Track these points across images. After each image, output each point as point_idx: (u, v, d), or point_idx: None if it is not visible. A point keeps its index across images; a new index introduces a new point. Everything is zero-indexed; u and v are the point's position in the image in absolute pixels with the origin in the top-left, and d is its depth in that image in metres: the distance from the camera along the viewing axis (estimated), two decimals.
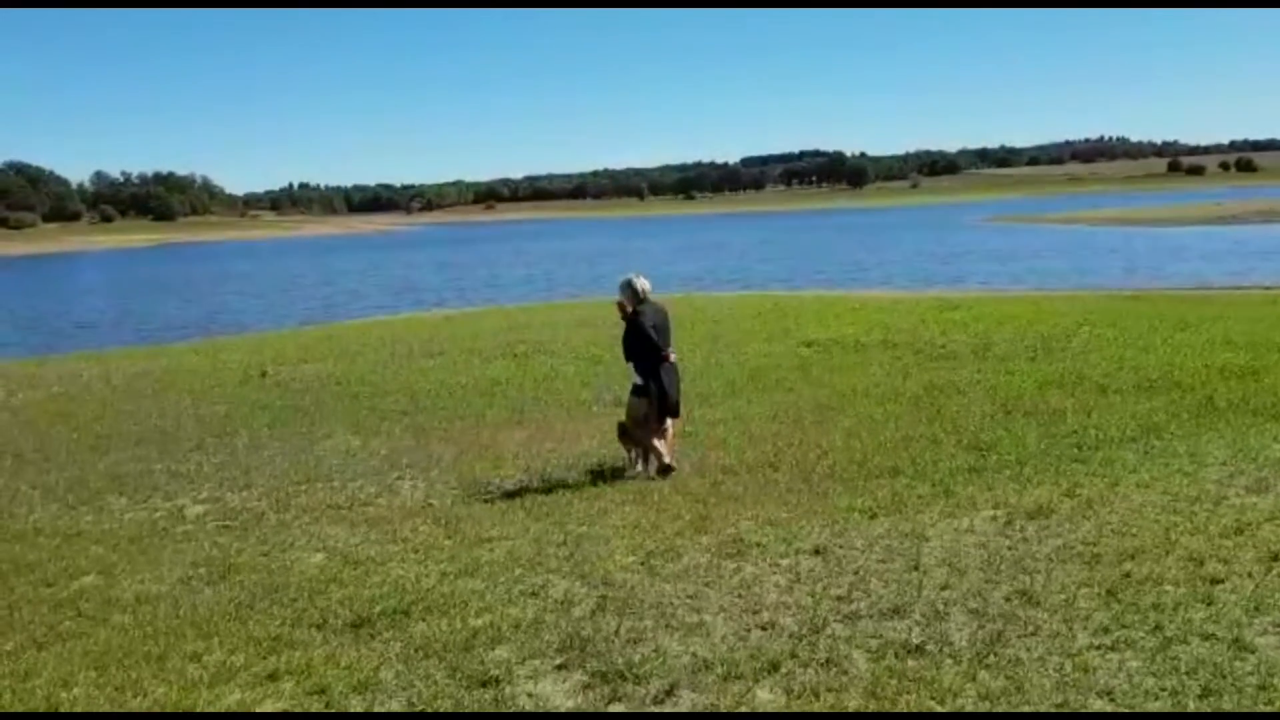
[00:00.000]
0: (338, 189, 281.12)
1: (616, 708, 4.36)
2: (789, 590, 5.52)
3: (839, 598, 5.35)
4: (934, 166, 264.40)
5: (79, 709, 4.63)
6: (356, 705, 4.49)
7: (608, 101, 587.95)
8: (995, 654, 4.58)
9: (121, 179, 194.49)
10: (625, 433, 8.56)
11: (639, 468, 8.43)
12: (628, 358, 8.55)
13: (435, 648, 4.97)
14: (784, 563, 5.96)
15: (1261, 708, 4.03)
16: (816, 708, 4.23)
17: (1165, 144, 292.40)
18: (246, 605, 5.75)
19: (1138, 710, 4.07)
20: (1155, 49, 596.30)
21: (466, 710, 4.40)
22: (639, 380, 8.50)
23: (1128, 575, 5.39)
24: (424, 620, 5.33)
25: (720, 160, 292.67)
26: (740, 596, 5.47)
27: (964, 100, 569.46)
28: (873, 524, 6.60)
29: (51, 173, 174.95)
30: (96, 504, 8.32)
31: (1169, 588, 5.21)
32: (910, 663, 4.55)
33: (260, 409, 12.26)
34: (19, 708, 4.68)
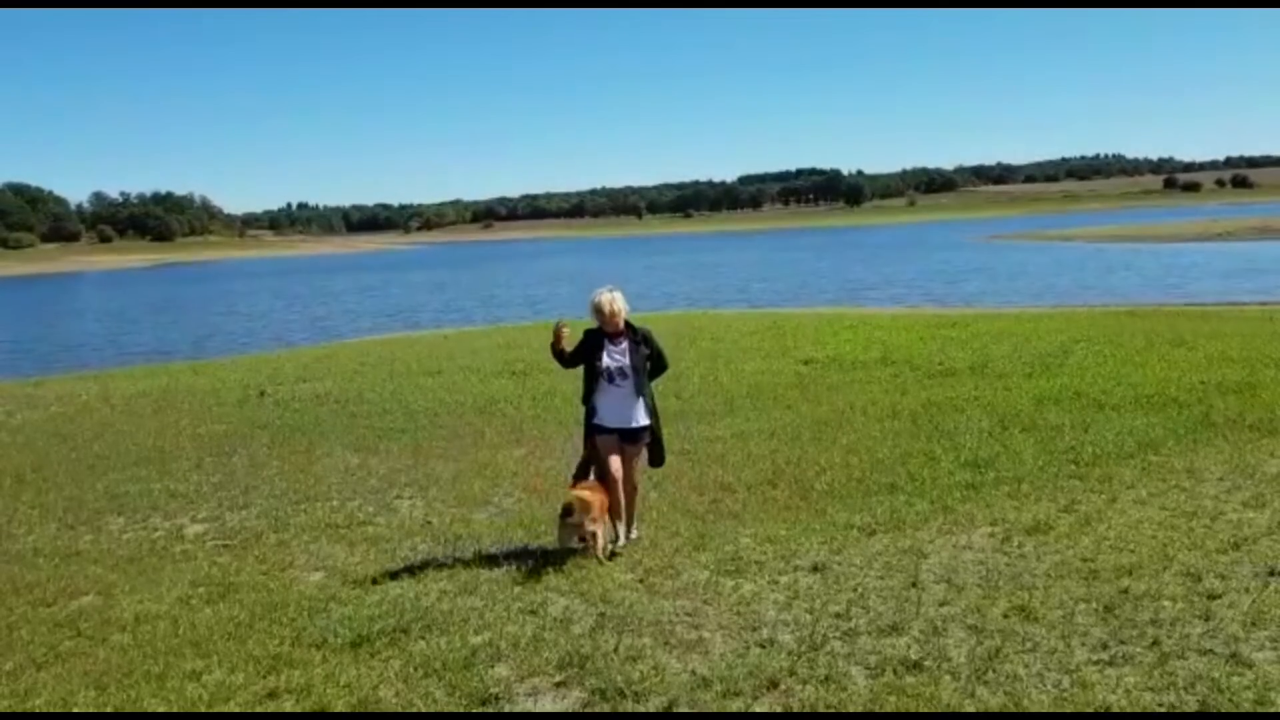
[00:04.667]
0: (336, 209, 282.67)
1: None
2: (788, 607, 5.53)
3: (838, 615, 5.36)
4: (930, 184, 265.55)
5: None
6: None
7: (605, 120, 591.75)
8: (993, 670, 4.59)
9: (120, 199, 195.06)
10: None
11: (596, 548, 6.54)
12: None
13: (435, 666, 4.97)
14: (783, 580, 5.97)
15: None
16: None
17: (1161, 160, 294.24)
18: (246, 624, 5.76)
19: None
20: (1151, 66, 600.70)
21: None
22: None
23: (1125, 591, 5.40)
24: (423, 638, 5.33)
25: (718, 179, 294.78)
26: (739, 614, 5.48)
27: (960, 118, 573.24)
28: (871, 541, 6.61)
29: (50, 193, 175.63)
30: (95, 524, 8.32)
31: (1167, 603, 5.22)
32: (909, 679, 4.56)
33: (259, 428, 12.26)
34: None
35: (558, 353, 6.91)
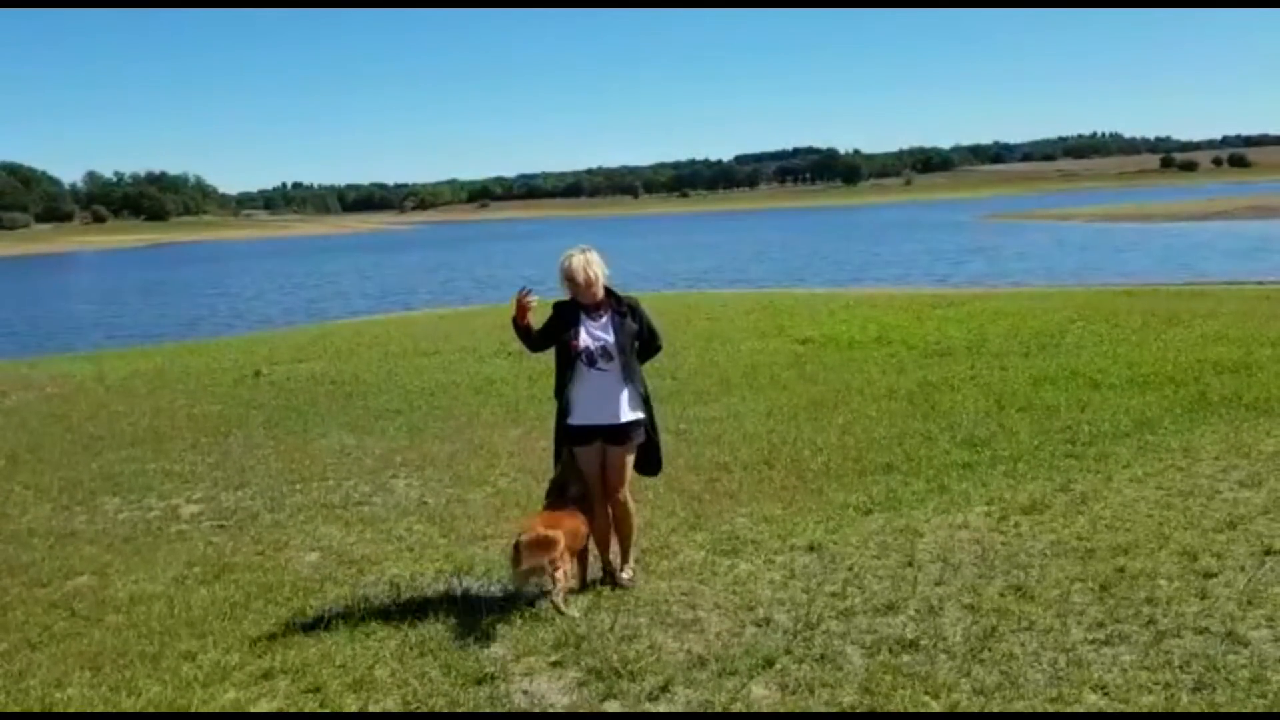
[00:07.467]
0: (331, 188, 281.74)
1: (611, 705, 4.37)
2: (784, 586, 5.53)
3: (833, 594, 5.36)
4: (928, 163, 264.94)
5: (73, 709, 4.63)
6: (352, 703, 4.49)
7: (601, 100, 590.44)
8: (989, 649, 4.59)
9: (114, 179, 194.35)
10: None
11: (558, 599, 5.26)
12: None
13: (430, 645, 4.97)
14: (779, 559, 5.97)
15: (1254, 701, 4.05)
16: (811, 703, 4.24)
17: (1158, 139, 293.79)
18: (241, 604, 5.75)
19: (1131, 705, 4.09)
20: (1148, 45, 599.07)
21: (461, 707, 4.41)
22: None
23: (1121, 570, 5.41)
24: (419, 618, 5.32)
25: (714, 158, 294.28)
26: (735, 593, 5.48)
27: (957, 97, 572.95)
28: (867, 520, 6.61)
29: (44, 173, 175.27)
30: (90, 504, 8.30)
31: (1162, 582, 5.23)
32: (904, 658, 4.56)
33: (255, 408, 12.23)
34: (13, 708, 4.68)
35: (522, 330, 5.54)
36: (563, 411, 5.58)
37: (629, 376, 5.52)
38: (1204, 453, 7.66)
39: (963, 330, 15.30)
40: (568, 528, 5.36)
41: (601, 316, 5.52)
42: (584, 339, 5.47)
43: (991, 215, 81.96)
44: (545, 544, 5.16)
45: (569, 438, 5.60)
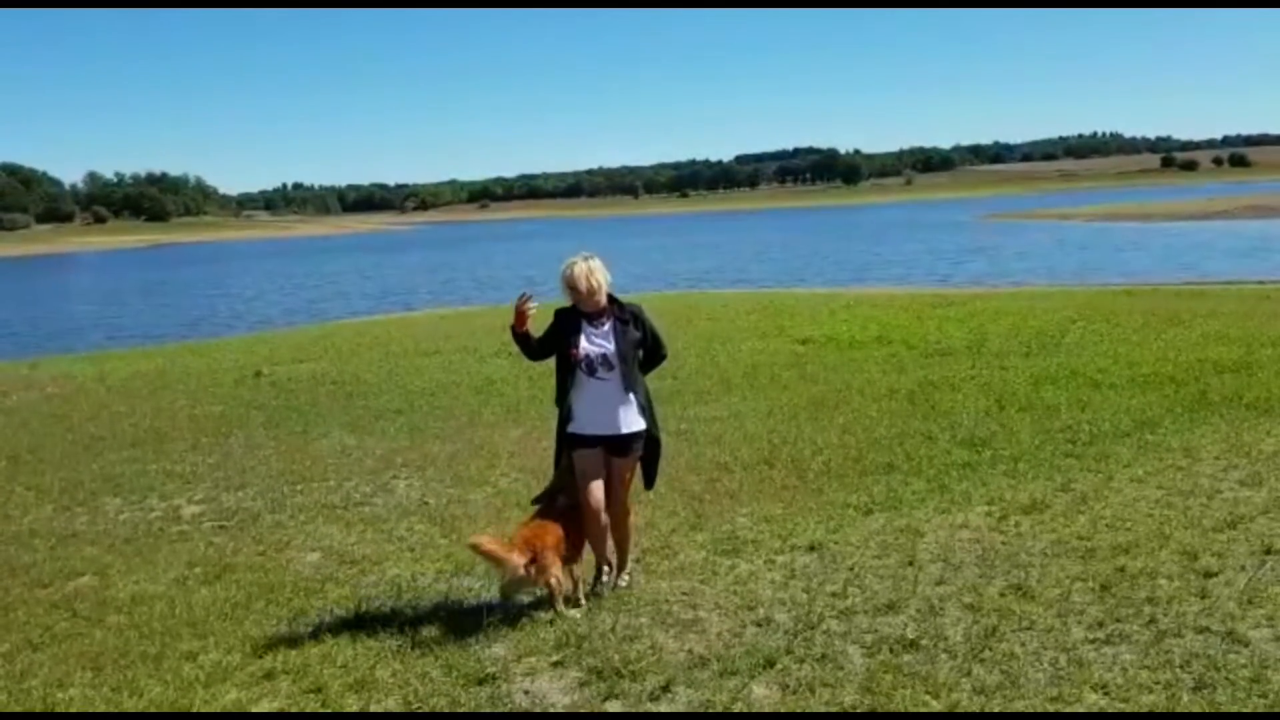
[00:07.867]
0: (332, 188, 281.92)
1: (612, 705, 4.37)
2: (784, 586, 5.53)
3: (834, 594, 5.37)
4: (928, 163, 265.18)
5: (75, 709, 4.64)
6: (353, 704, 4.50)
7: (602, 100, 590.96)
8: (990, 649, 4.60)
9: (115, 180, 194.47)
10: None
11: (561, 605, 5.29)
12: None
13: (431, 645, 4.97)
14: (779, 559, 5.97)
15: (1255, 700, 4.06)
16: (812, 703, 4.24)
17: (1159, 139, 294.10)
18: (242, 605, 5.76)
19: (1131, 704, 4.09)
20: (1148, 45, 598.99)
21: (462, 707, 4.41)
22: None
23: (1122, 569, 5.41)
24: (420, 618, 5.33)
25: (714, 158, 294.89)
26: (735, 593, 5.48)
27: (958, 97, 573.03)
28: (868, 520, 6.62)
29: (45, 174, 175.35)
30: (91, 505, 8.31)
31: (1163, 581, 5.23)
32: (905, 657, 4.57)
33: (255, 409, 12.24)
34: (15, 709, 4.69)
35: (520, 337, 5.46)
36: (563, 419, 5.49)
37: (630, 386, 5.40)
38: (1204, 452, 7.67)
39: (963, 330, 15.30)
40: (554, 537, 5.30)
41: (603, 324, 5.42)
42: (584, 346, 5.37)
43: (992, 215, 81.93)
44: (523, 546, 5.17)
45: (569, 443, 5.51)
